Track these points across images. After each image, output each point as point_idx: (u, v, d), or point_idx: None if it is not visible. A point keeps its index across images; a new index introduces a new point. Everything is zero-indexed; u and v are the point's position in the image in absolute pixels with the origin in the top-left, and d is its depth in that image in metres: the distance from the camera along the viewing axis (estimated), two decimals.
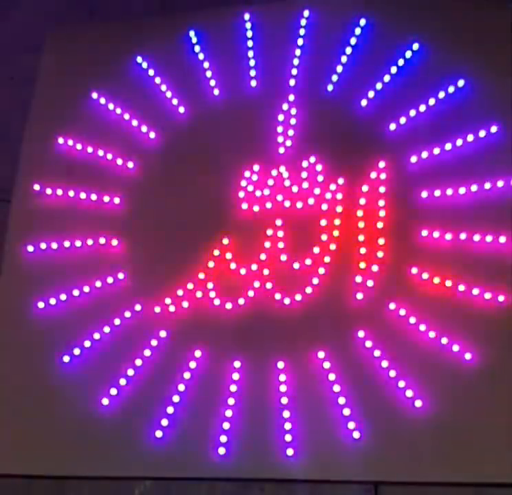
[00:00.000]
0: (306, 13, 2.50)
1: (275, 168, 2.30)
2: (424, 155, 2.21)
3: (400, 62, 2.36)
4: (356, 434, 1.90)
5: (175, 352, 2.11)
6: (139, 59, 2.57)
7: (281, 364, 2.03)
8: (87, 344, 2.14)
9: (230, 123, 2.43)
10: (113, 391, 2.06)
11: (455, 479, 1.83)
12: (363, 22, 2.44)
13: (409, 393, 1.92)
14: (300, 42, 2.48)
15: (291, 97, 2.40)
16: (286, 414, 1.95)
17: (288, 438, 1.92)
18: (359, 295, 2.08)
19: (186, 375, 2.05)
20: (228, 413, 1.97)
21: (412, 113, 2.28)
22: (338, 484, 1.88)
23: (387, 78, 2.36)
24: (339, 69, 2.41)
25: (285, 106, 2.40)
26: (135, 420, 2.02)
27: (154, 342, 2.12)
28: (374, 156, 2.25)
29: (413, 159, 2.23)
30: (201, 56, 2.54)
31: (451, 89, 2.28)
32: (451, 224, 2.11)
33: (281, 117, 2.38)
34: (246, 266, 2.19)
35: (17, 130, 2.52)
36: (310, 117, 2.37)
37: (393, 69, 2.36)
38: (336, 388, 1.96)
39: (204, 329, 2.13)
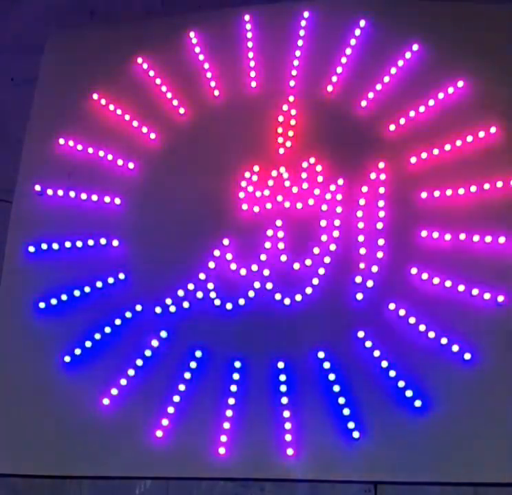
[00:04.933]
0: (306, 14, 2.50)
1: (275, 168, 2.31)
2: (424, 155, 2.22)
3: (400, 63, 2.37)
4: (355, 434, 1.90)
5: (175, 352, 2.11)
6: (139, 60, 2.57)
7: (281, 364, 2.03)
8: (88, 344, 2.15)
9: (230, 124, 2.43)
10: (114, 391, 2.06)
11: (454, 479, 1.84)
12: (362, 23, 2.45)
13: (408, 393, 1.92)
14: (300, 43, 2.48)
15: (291, 98, 2.40)
16: (286, 414, 1.96)
17: (288, 438, 1.93)
18: (359, 296, 2.09)
19: (187, 375, 2.06)
20: (228, 413, 1.98)
21: (412, 113, 2.29)
22: (338, 484, 1.89)
23: (386, 79, 2.36)
24: (339, 69, 2.41)
25: (285, 107, 2.40)
26: (136, 420, 2.03)
27: (155, 342, 2.12)
28: (373, 157, 2.26)
29: (413, 159, 2.23)
30: (201, 57, 2.54)
31: (450, 90, 2.28)
32: (451, 225, 2.12)
33: (281, 118, 2.39)
34: (246, 266, 2.19)
35: (18, 131, 2.53)
36: (309, 118, 2.38)
37: (393, 70, 2.36)
38: (336, 388, 1.97)
39: (204, 329, 2.14)
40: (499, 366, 1.92)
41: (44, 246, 2.31)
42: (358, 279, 2.11)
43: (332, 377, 1.99)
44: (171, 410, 2.01)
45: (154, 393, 2.05)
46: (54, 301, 2.22)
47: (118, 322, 2.17)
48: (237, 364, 2.06)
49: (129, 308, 2.19)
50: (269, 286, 2.16)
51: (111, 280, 2.24)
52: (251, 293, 2.16)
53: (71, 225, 2.34)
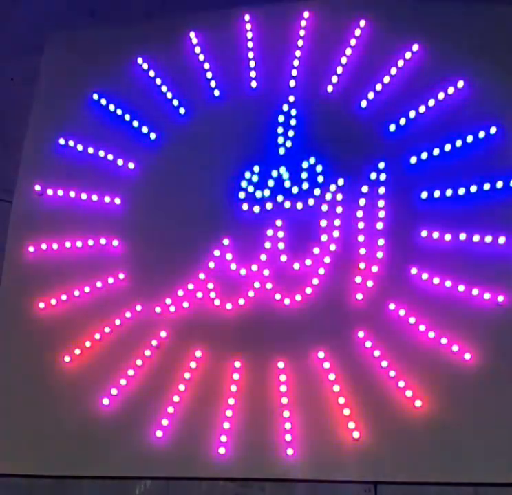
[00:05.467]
0: (306, 14, 2.51)
1: (275, 168, 2.31)
2: (424, 156, 2.22)
3: (400, 63, 2.37)
4: (355, 434, 1.90)
5: (175, 352, 2.11)
6: (139, 60, 2.57)
7: (281, 364, 2.03)
8: (88, 344, 2.15)
9: (230, 124, 2.43)
10: (114, 391, 2.06)
11: (454, 479, 1.84)
12: (362, 23, 2.45)
13: (408, 393, 1.92)
14: (300, 43, 2.48)
15: (291, 98, 2.41)
16: (286, 414, 1.96)
17: (288, 438, 1.93)
18: (359, 296, 2.09)
19: (187, 375, 2.06)
20: (228, 413, 1.98)
21: (412, 114, 2.29)
22: (338, 484, 1.89)
23: (386, 79, 2.36)
24: (339, 70, 2.42)
25: (285, 107, 2.40)
26: (136, 420, 2.03)
27: (154, 342, 2.12)
28: (373, 157, 2.26)
29: (413, 160, 2.23)
30: (201, 57, 2.54)
31: (450, 90, 2.28)
32: (451, 225, 2.12)
33: (281, 118, 2.39)
34: (246, 266, 2.19)
35: (18, 131, 2.53)
36: (310, 118, 2.38)
37: (393, 70, 2.36)
38: (336, 388, 1.97)
39: (204, 329, 2.14)
40: (499, 366, 1.92)
41: (44, 246, 2.31)
42: (358, 279, 2.11)
43: (332, 377, 1.99)
44: (170, 410, 2.01)
45: (154, 393, 2.05)
46: (53, 301, 2.23)
47: (117, 322, 2.18)
48: (237, 364, 2.06)
49: (129, 308, 2.19)
50: (269, 286, 2.16)
51: (110, 280, 2.24)
52: (251, 293, 2.16)
53: (71, 225, 2.34)
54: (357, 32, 2.44)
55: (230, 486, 1.94)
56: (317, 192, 2.26)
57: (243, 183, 2.31)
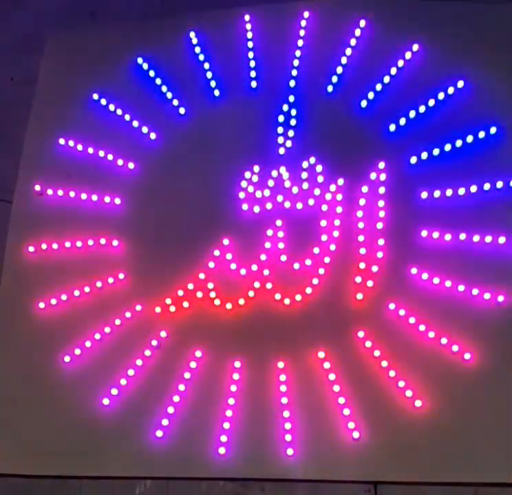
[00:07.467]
0: (306, 14, 2.51)
1: (275, 168, 2.31)
2: (424, 155, 2.22)
3: (400, 63, 2.37)
4: (355, 434, 1.90)
5: (175, 352, 2.11)
6: (140, 60, 2.57)
7: (281, 364, 2.03)
8: (88, 344, 2.15)
9: (230, 124, 2.43)
10: (114, 391, 2.06)
11: (454, 479, 1.84)
12: (362, 23, 2.45)
13: (408, 393, 1.92)
14: (300, 43, 2.48)
15: (291, 98, 2.41)
16: (286, 414, 1.96)
17: (288, 438, 1.93)
18: (359, 296, 2.09)
19: (187, 375, 2.06)
20: (229, 413, 1.98)
21: (412, 114, 2.29)
22: (338, 484, 1.88)
23: (386, 79, 2.36)
24: (339, 70, 2.42)
25: (285, 107, 2.40)
26: (136, 420, 2.02)
27: (155, 342, 2.12)
28: (373, 157, 2.26)
29: (413, 160, 2.23)
30: (201, 57, 2.55)
31: (450, 90, 2.29)
32: (451, 225, 2.12)
33: (281, 118, 2.39)
34: (246, 266, 2.19)
35: (18, 131, 2.53)
36: (310, 118, 2.38)
37: (393, 70, 2.37)
38: (336, 388, 1.97)
39: (204, 329, 2.14)
40: (499, 366, 1.92)
41: (44, 246, 2.31)
42: (358, 279, 2.11)
43: (332, 377, 1.99)
44: (170, 410, 2.01)
45: (154, 393, 2.05)
46: (53, 301, 2.22)
47: (117, 322, 2.17)
48: (237, 364, 2.06)
49: (128, 308, 2.19)
50: (269, 286, 2.16)
51: (110, 280, 2.24)
52: (251, 293, 2.16)
53: (71, 225, 2.34)
54: (357, 32, 2.44)
55: (230, 486, 1.94)
56: (317, 192, 2.26)
57: (243, 183, 2.31)
